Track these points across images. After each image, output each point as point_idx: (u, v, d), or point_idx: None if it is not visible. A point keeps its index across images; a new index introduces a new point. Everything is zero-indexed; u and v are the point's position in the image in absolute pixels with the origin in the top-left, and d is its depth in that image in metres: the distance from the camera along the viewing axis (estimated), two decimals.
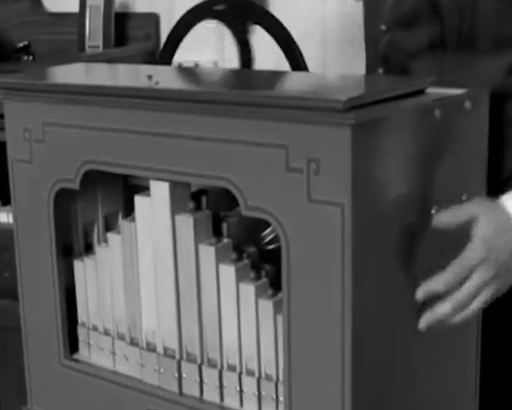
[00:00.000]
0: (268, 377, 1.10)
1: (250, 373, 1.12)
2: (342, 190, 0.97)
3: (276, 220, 1.02)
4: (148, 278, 1.18)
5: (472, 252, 1.06)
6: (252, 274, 1.11)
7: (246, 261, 1.12)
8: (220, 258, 1.12)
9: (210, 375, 1.15)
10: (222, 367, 1.14)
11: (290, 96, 1.03)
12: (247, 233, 1.19)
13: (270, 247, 1.21)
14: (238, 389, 1.13)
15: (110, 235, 1.23)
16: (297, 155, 0.99)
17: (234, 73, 1.34)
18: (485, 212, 1.09)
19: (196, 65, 1.38)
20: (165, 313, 1.17)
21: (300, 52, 1.34)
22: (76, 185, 1.21)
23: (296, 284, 1.02)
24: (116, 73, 1.43)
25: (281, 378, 1.09)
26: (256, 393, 1.11)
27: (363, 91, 1.01)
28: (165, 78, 1.23)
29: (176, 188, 1.13)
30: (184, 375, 1.17)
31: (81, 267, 1.28)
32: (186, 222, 1.12)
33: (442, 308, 1.07)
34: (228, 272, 1.11)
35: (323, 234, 0.99)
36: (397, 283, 1.06)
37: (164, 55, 1.34)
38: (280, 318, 1.07)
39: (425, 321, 1.08)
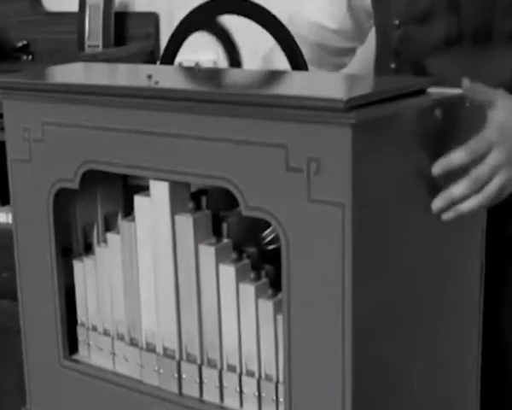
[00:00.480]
0: (268, 378, 1.10)
1: (250, 374, 1.11)
2: (342, 190, 0.97)
3: (276, 220, 1.02)
4: (147, 279, 1.18)
5: (487, 132, 1.06)
6: (252, 274, 1.11)
7: (246, 261, 1.12)
8: (220, 258, 1.11)
9: (210, 375, 1.14)
10: (222, 368, 1.14)
11: (290, 96, 1.03)
12: (247, 233, 1.19)
13: (271, 247, 1.21)
14: (238, 389, 1.13)
15: (110, 235, 1.23)
16: (297, 154, 0.99)
17: (234, 72, 1.34)
18: (503, 98, 1.09)
19: (196, 65, 1.37)
20: (164, 313, 1.17)
21: (301, 51, 1.34)
22: (75, 185, 1.21)
23: (296, 284, 1.02)
24: (116, 72, 1.43)
25: (281, 379, 1.09)
26: (256, 393, 1.11)
27: (363, 91, 1.00)
28: (164, 77, 1.22)
29: (176, 188, 1.13)
30: (184, 375, 1.16)
31: (80, 267, 1.27)
32: (186, 222, 1.12)
33: (457, 187, 1.06)
34: (228, 272, 1.11)
35: (324, 234, 0.99)
36: (397, 283, 1.06)
37: (165, 60, 1.34)
38: (280, 318, 1.06)
39: (439, 201, 1.06)
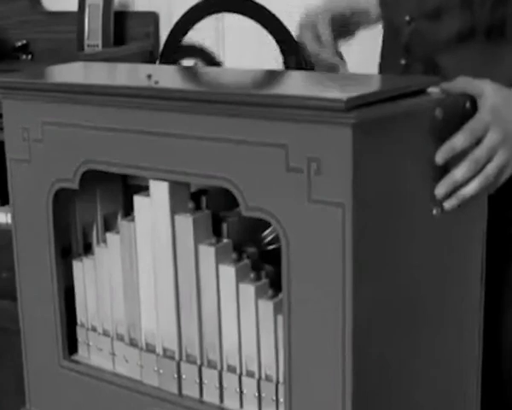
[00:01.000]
0: (268, 379, 1.10)
1: (250, 374, 1.11)
2: (343, 190, 0.96)
3: (276, 220, 1.02)
4: (147, 279, 1.17)
5: (481, 114, 1.08)
6: (252, 275, 1.10)
7: (246, 262, 1.12)
8: (220, 258, 1.11)
9: (210, 376, 1.14)
10: (222, 368, 1.14)
11: (290, 96, 1.03)
12: (247, 233, 1.18)
13: (271, 247, 1.21)
14: (238, 390, 1.12)
15: (109, 235, 1.22)
16: (297, 154, 0.99)
17: (234, 72, 1.33)
18: (491, 85, 1.10)
19: (196, 64, 1.37)
20: (164, 313, 1.16)
21: (301, 51, 1.33)
22: (75, 185, 1.21)
23: (296, 284, 1.02)
24: (115, 72, 1.43)
25: (281, 379, 1.08)
26: (256, 394, 1.11)
27: (364, 91, 1.00)
28: (164, 77, 1.22)
29: (175, 188, 1.13)
30: (184, 376, 1.16)
31: (80, 268, 1.27)
32: (186, 222, 1.12)
33: (458, 171, 1.07)
34: (228, 272, 1.10)
35: (324, 234, 0.99)
36: (397, 283, 1.06)
37: (164, 60, 1.34)
38: (280, 318, 1.06)
39: (442, 187, 1.07)
